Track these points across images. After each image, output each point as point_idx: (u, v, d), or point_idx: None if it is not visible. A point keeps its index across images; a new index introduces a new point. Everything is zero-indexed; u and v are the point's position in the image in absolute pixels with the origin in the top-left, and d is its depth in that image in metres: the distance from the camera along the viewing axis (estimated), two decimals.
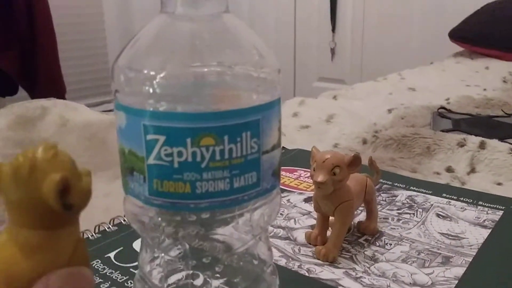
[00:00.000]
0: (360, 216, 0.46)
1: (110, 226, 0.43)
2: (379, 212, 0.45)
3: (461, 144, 0.66)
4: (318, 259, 0.39)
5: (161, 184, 0.23)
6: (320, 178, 0.37)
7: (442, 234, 0.43)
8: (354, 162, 0.38)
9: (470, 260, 0.39)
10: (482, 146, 0.65)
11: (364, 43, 2.17)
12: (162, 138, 0.22)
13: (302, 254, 0.40)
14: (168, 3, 0.24)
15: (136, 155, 0.23)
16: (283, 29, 2.37)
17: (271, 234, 0.43)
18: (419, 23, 1.98)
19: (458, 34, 1.59)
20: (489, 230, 0.44)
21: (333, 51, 2.26)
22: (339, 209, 0.39)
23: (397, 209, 0.48)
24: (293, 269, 0.38)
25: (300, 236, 0.43)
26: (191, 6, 0.24)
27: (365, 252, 0.41)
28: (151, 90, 0.22)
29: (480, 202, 0.49)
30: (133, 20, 2.31)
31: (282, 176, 0.55)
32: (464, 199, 0.50)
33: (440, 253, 0.40)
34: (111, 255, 0.39)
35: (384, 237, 0.43)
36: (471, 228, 0.44)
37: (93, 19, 2.27)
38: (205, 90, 0.24)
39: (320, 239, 0.42)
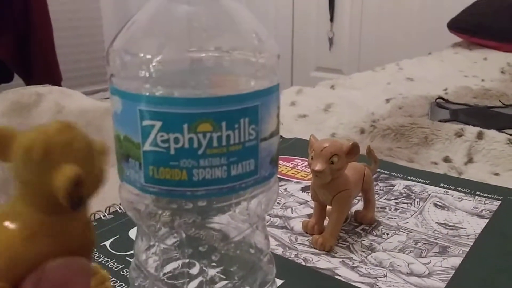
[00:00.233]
0: (358, 205, 0.46)
1: (106, 215, 0.43)
2: (376, 202, 0.45)
3: (459, 134, 0.66)
4: (315, 248, 0.39)
5: (157, 171, 0.22)
6: (318, 166, 0.37)
7: (440, 224, 0.43)
8: (353, 151, 0.38)
9: (467, 250, 0.39)
10: (479, 136, 0.65)
11: (362, 33, 2.16)
12: (158, 124, 0.22)
13: (299, 243, 0.40)
14: None
15: (131, 141, 0.23)
16: (281, 18, 2.35)
17: (268, 223, 0.43)
18: (418, 13, 1.97)
19: (457, 25, 1.59)
20: (486, 220, 0.44)
21: (331, 40, 2.25)
22: (336, 198, 0.39)
23: (395, 199, 0.48)
24: (290, 258, 0.38)
25: (297, 225, 0.43)
26: None
27: (362, 242, 0.40)
28: (147, 74, 0.22)
29: (478, 192, 0.49)
30: (130, 8, 2.28)
31: (279, 165, 0.55)
32: (461, 189, 0.50)
33: (437, 243, 0.40)
34: (107, 243, 0.39)
35: (381, 227, 0.43)
36: (469, 218, 0.44)
37: (89, 6, 2.25)
38: (202, 74, 0.23)
39: (317, 228, 0.41)
